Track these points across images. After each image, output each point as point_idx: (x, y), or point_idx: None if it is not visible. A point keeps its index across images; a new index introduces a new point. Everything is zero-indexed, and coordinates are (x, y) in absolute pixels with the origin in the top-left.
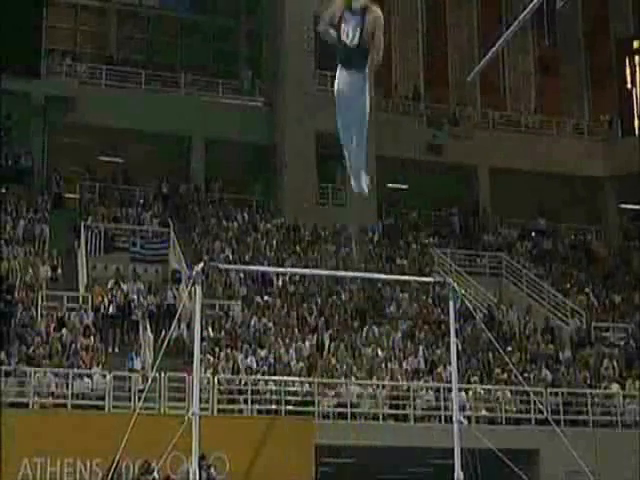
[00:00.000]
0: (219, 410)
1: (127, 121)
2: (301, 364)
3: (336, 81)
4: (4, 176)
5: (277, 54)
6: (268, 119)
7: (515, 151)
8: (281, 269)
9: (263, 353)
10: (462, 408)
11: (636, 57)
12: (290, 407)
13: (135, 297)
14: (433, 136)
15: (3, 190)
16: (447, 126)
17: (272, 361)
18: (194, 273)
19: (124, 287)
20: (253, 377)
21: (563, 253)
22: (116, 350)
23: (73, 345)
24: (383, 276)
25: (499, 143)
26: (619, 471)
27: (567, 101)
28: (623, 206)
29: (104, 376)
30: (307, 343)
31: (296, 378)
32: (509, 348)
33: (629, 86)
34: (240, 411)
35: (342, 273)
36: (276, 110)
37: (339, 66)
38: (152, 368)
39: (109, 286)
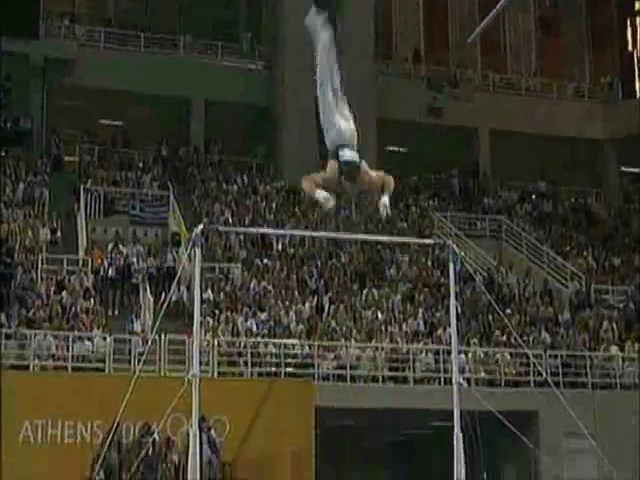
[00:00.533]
0: (219, 373)
1: (126, 83)
2: (301, 326)
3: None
4: (3, 138)
5: (277, 18)
6: (268, 81)
7: (515, 113)
8: (280, 231)
9: (263, 316)
10: (461, 370)
11: (637, 19)
12: (290, 369)
13: (135, 260)
14: (433, 98)
15: (2, 153)
16: (447, 88)
17: (272, 324)
18: (194, 235)
19: (124, 250)
20: (253, 339)
21: (563, 216)
22: (116, 313)
23: (73, 308)
24: (383, 238)
25: (499, 105)
26: (618, 433)
27: (568, 63)
28: (623, 168)
29: (104, 339)
30: (307, 305)
31: (296, 340)
32: (508, 311)
33: (630, 48)
34: (240, 374)
35: (342, 235)
36: (276, 73)
37: None
38: (152, 330)
39: (109, 249)
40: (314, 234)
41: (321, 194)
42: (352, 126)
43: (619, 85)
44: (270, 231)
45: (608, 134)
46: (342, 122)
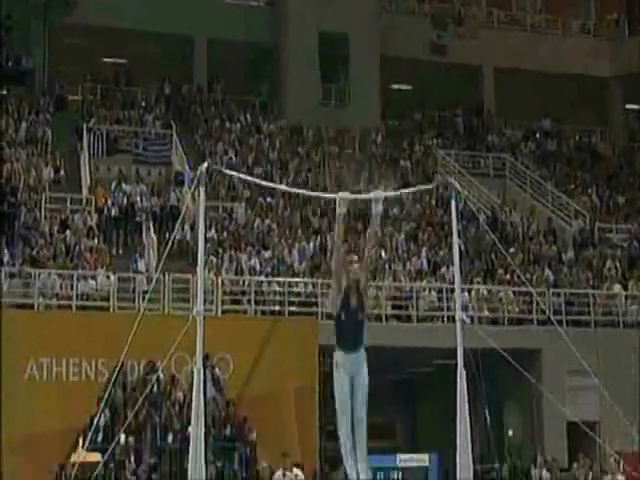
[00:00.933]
0: (223, 311)
1: (128, 21)
2: (304, 265)
3: (335, 384)
4: (5, 77)
5: None
6: (271, 19)
7: (520, 51)
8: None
9: (267, 254)
10: (465, 308)
11: None
12: (293, 308)
13: (138, 199)
14: (437, 36)
15: (4, 92)
16: (451, 26)
17: (275, 262)
18: (197, 174)
19: (127, 189)
20: (257, 278)
21: (567, 154)
22: (120, 252)
23: (77, 247)
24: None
25: (504, 43)
26: (620, 370)
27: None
28: (629, 106)
29: (108, 277)
30: (310, 244)
31: (299, 279)
32: (512, 249)
33: None
34: (244, 312)
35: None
36: (279, 10)
37: (339, 354)
38: (156, 269)
39: (112, 188)
40: (311, 194)
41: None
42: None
43: (625, 22)
44: (273, 185)
45: (614, 71)
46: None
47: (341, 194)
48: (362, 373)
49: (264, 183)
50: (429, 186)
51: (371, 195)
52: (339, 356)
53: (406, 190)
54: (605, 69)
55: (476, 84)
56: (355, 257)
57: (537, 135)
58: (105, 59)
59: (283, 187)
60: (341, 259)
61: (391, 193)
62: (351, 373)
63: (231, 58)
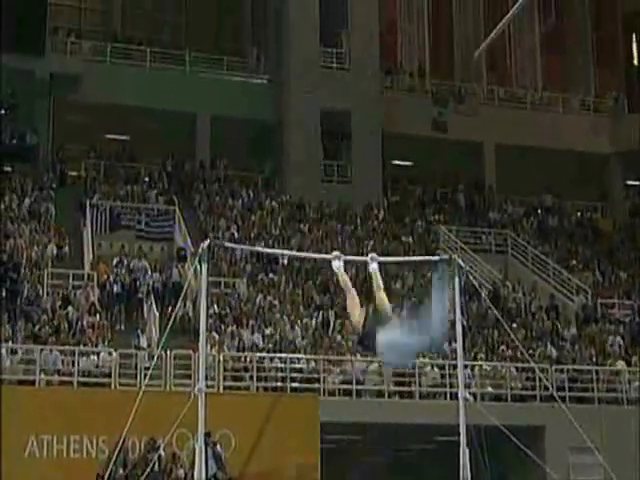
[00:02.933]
0: (225, 387)
1: (132, 98)
2: (306, 341)
3: None
4: (9, 154)
5: (282, 31)
6: (273, 96)
7: (521, 127)
8: (286, 251)
9: (268, 330)
10: (467, 385)
11: None
12: (295, 384)
13: (140, 275)
14: (438, 113)
15: (8, 168)
16: (452, 103)
17: (277, 338)
18: (200, 250)
19: (130, 265)
20: (258, 354)
21: (569, 230)
22: (122, 328)
23: (79, 323)
24: (388, 259)
25: (505, 119)
26: (624, 447)
27: (573, 77)
28: (629, 182)
29: (110, 353)
30: (312, 320)
31: (301, 355)
32: (514, 325)
33: (635, 62)
34: (246, 388)
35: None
36: (281, 87)
37: None
38: (158, 345)
39: (114, 264)
40: (315, 256)
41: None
42: None
43: (624, 99)
44: (277, 251)
45: (614, 148)
46: None
47: (334, 254)
48: None
49: (267, 250)
50: (433, 258)
51: (366, 258)
52: None
53: (413, 259)
54: (605, 146)
55: (477, 160)
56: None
57: (538, 211)
58: (108, 136)
59: (287, 252)
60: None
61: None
62: None
63: (233, 135)
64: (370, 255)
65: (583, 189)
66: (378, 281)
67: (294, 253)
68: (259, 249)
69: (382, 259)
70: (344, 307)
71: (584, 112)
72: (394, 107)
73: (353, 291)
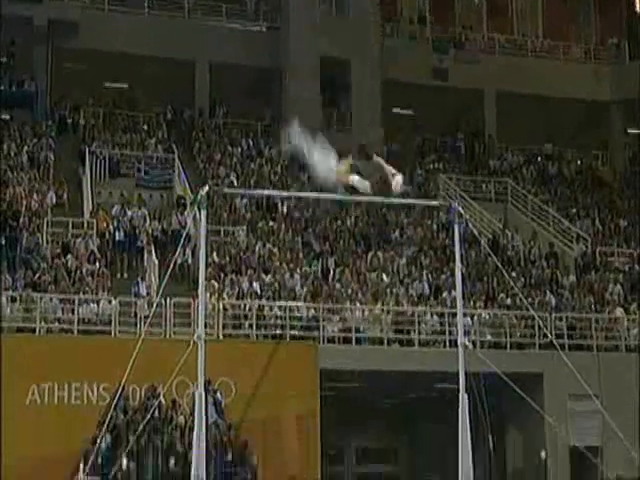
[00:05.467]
0: (224, 335)
1: (130, 46)
2: (306, 289)
3: None
4: (8, 101)
5: None
6: (272, 43)
7: (522, 75)
8: (285, 193)
9: (268, 278)
10: (467, 332)
11: None
12: (295, 332)
13: (140, 223)
14: (439, 61)
15: (7, 116)
16: (453, 50)
17: (277, 286)
18: (199, 197)
19: (129, 213)
20: (258, 302)
21: (569, 178)
22: (122, 276)
23: (79, 271)
24: (388, 200)
25: (505, 67)
26: (622, 394)
27: (574, 24)
28: (630, 130)
29: (110, 301)
30: (312, 268)
31: (301, 303)
32: (514, 273)
33: (637, 9)
34: (246, 336)
35: (346, 197)
36: (280, 34)
37: None
38: (157, 293)
39: (114, 212)
40: (319, 196)
41: (355, 178)
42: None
43: (626, 46)
44: (274, 193)
45: (615, 96)
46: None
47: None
48: None
49: (266, 192)
50: (433, 202)
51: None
52: None
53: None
54: (606, 93)
55: (477, 108)
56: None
57: (538, 159)
58: (107, 83)
59: (293, 193)
60: None
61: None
62: None
63: (233, 82)
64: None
65: (583, 137)
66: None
67: (292, 193)
68: (256, 192)
69: (384, 199)
70: (343, 254)
71: (585, 60)
72: (394, 55)
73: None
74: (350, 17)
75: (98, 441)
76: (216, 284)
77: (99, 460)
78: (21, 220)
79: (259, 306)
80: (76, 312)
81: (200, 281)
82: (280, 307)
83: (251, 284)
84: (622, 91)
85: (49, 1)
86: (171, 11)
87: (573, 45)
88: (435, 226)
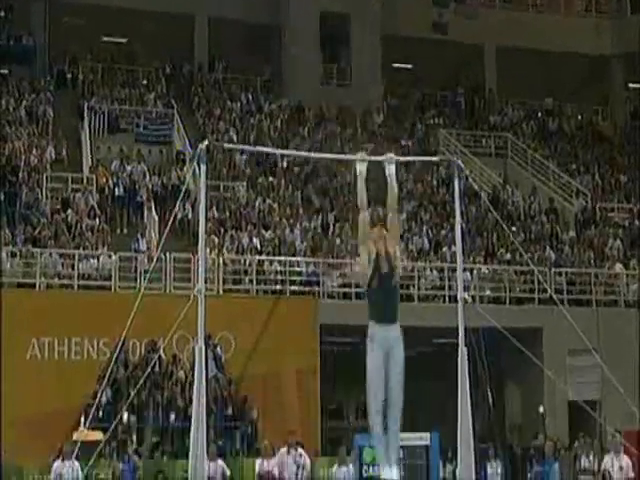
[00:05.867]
0: (224, 290)
1: (129, 0)
2: (305, 244)
3: (368, 359)
4: (6, 56)
5: None
6: None
7: (522, 30)
8: (284, 151)
9: (268, 234)
10: (466, 287)
11: None
12: (295, 287)
13: (140, 178)
14: (438, 15)
15: (5, 71)
16: (453, 4)
17: (277, 241)
18: (198, 151)
19: (128, 168)
20: (258, 257)
21: (569, 133)
22: (122, 231)
23: (78, 226)
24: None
25: (506, 22)
26: (621, 349)
27: None
28: (630, 85)
29: (110, 257)
30: (312, 224)
31: (300, 258)
32: (514, 228)
33: None
34: (246, 291)
35: (345, 157)
36: None
37: (373, 326)
38: (157, 248)
39: (113, 167)
40: (317, 155)
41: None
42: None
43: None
44: (273, 150)
45: (615, 49)
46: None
47: (359, 155)
48: (399, 348)
49: (267, 150)
50: (434, 158)
51: (384, 157)
52: (373, 329)
53: (415, 158)
54: (607, 47)
55: (477, 63)
56: (380, 224)
57: (539, 114)
58: (105, 38)
59: (298, 153)
60: (367, 227)
61: (402, 158)
62: (386, 348)
63: (232, 37)
64: (387, 156)
65: (584, 92)
66: (393, 183)
67: (292, 152)
68: (256, 148)
69: (383, 158)
70: (342, 209)
71: (586, 13)
72: (393, 9)
73: (367, 213)
74: None
75: (99, 395)
76: (216, 239)
77: (100, 414)
78: (20, 175)
79: (259, 261)
80: (76, 267)
81: (200, 236)
82: (280, 262)
83: (251, 239)
84: (623, 44)
85: None
86: None
87: None
88: (435, 181)
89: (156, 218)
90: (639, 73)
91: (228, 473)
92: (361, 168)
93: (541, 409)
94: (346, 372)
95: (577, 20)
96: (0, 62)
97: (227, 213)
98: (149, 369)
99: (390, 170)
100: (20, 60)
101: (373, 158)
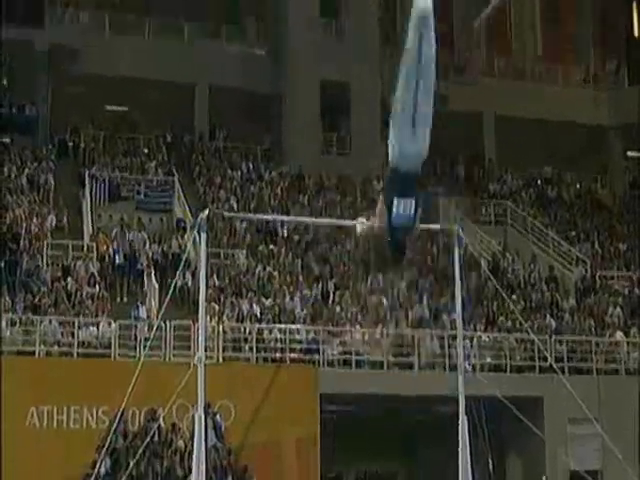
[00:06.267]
0: (224, 358)
1: (131, 69)
2: (305, 312)
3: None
4: (9, 125)
5: (280, 2)
6: (272, 67)
7: (521, 99)
8: (284, 217)
9: (268, 301)
10: (467, 356)
11: None
12: (295, 355)
13: (140, 246)
14: (438, 85)
15: (7, 140)
16: (452, 73)
17: (277, 309)
18: (199, 220)
19: (129, 236)
20: (258, 325)
21: (568, 201)
22: (122, 299)
23: (79, 294)
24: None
25: (504, 91)
26: (622, 417)
27: (573, 48)
28: (629, 154)
29: (110, 324)
30: (312, 291)
31: (301, 326)
32: (514, 296)
33: (636, 34)
34: (246, 359)
35: (345, 222)
36: (280, 58)
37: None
38: (157, 316)
39: (114, 235)
40: (317, 221)
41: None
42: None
43: (625, 70)
44: (274, 217)
45: (614, 120)
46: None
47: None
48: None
49: (266, 217)
50: (434, 226)
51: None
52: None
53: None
54: (605, 117)
55: (477, 131)
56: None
57: (538, 182)
58: (107, 107)
59: (293, 218)
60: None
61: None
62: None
63: (232, 106)
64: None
65: (583, 161)
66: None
67: (292, 218)
68: (259, 216)
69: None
70: (343, 277)
71: (584, 84)
72: (394, 77)
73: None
74: (349, 41)
75: (98, 465)
76: (216, 307)
77: None
78: (21, 243)
79: (259, 329)
80: (76, 335)
81: (200, 304)
82: (280, 330)
83: (251, 307)
84: (621, 115)
85: (50, 26)
86: (171, 35)
87: (572, 69)
88: (435, 249)
89: (156, 286)
90: (637, 143)
91: None
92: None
93: (544, 479)
94: (346, 441)
95: (575, 91)
96: (2, 131)
97: (227, 280)
98: (148, 438)
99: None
100: (22, 129)
101: (372, 222)
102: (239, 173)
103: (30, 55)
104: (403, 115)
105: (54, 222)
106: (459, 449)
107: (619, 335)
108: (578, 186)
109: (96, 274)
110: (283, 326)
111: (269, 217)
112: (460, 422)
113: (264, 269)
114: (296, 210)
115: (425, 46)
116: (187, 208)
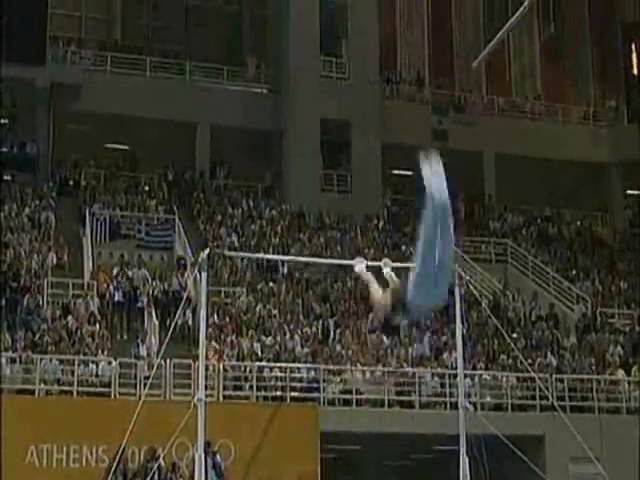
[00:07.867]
0: (224, 396)
1: (132, 108)
2: (306, 350)
3: None
4: (10, 163)
5: (281, 40)
6: (273, 105)
7: (520, 137)
8: (285, 257)
9: (268, 340)
10: (467, 394)
11: None
12: (295, 394)
13: (141, 284)
14: (438, 122)
15: (8, 177)
16: (452, 112)
17: (277, 348)
18: (199, 259)
19: (129, 274)
20: (258, 364)
21: (568, 239)
22: (122, 337)
23: (79, 332)
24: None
25: (504, 129)
26: (624, 455)
27: (573, 86)
28: (629, 192)
29: (110, 363)
30: (312, 329)
31: (301, 364)
32: (514, 334)
33: (635, 71)
34: (246, 397)
35: (346, 262)
36: (281, 97)
37: None
38: (157, 355)
39: (114, 273)
40: (318, 260)
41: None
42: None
43: (624, 108)
44: (275, 257)
45: (614, 158)
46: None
47: (357, 259)
48: None
49: (269, 256)
50: None
51: (381, 263)
52: None
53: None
54: (605, 155)
55: (477, 170)
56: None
57: (538, 220)
58: (108, 145)
59: (293, 258)
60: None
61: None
62: None
63: (233, 144)
64: (383, 260)
65: (583, 199)
66: (393, 279)
67: (292, 258)
68: (259, 255)
69: (394, 264)
70: (343, 315)
71: (584, 121)
72: (394, 116)
73: (376, 283)
74: (350, 79)
75: None
76: (217, 345)
77: None
78: (22, 281)
79: (259, 368)
80: (76, 373)
81: (200, 342)
82: (280, 369)
83: (251, 345)
84: (620, 153)
85: (51, 64)
86: (172, 73)
87: (571, 107)
88: None
89: (157, 324)
90: (637, 180)
91: None
92: (360, 267)
93: None
94: (347, 479)
95: (575, 128)
96: (3, 169)
97: (227, 319)
98: (148, 478)
99: (387, 271)
100: (23, 167)
101: (370, 263)
102: (240, 211)
103: (31, 93)
104: (425, 277)
105: (54, 260)
106: None
107: (620, 373)
108: (578, 223)
109: (96, 312)
110: (284, 364)
111: (269, 256)
112: (461, 461)
113: (264, 307)
114: (296, 248)
115: (444, 231)
116: (188, 246)
